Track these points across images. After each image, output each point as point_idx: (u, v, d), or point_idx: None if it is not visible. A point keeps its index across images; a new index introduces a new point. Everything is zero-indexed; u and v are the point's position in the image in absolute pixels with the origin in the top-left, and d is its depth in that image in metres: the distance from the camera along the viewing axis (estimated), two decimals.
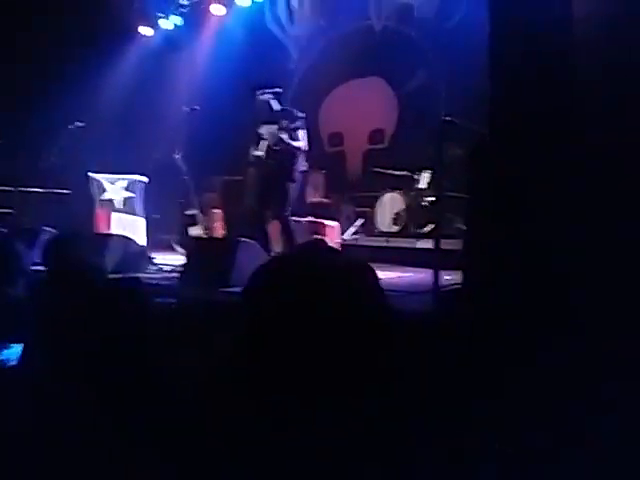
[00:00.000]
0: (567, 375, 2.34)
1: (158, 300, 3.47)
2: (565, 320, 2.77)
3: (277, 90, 5.38)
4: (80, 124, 6.69)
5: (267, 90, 5.34)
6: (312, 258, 1.30)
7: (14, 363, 2.14)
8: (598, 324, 2.71)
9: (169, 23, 9.44)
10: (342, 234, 6.14)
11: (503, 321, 2.85)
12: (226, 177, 7.87)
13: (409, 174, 7.22)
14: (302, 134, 5.26)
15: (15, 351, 2.30)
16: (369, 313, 1.20)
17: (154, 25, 9.49)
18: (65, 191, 6.96)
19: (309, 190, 7.38)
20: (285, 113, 5.27)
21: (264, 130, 5.34)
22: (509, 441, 2.17)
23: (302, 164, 5.41)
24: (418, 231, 6.87)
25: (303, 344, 1.13)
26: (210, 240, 6.20)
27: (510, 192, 3.20)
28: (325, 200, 7.71)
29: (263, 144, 5.34)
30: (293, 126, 5.15)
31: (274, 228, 5.46)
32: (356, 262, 1.30)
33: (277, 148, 5.23)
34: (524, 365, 2.48)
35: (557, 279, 2.99)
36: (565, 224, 3.05)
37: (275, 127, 5.26)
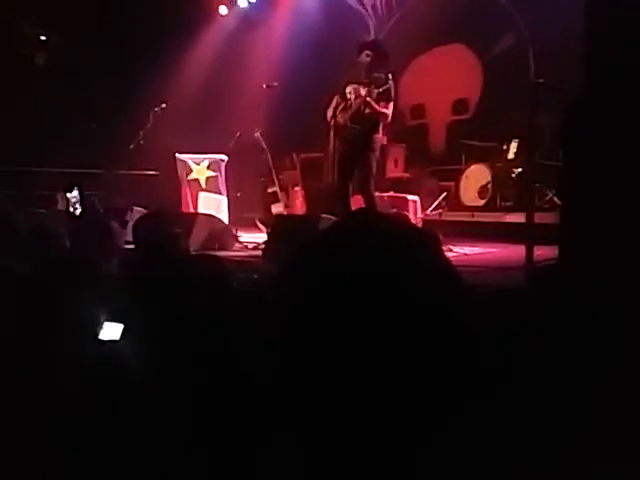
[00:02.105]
0: None
1: (242, 275, 3.51)
2: None
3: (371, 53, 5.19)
4: (163, 106, 6.86)
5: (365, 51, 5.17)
6: (363, 230, 1.17)
7: (114, 338, 2.22)
8: None
9: (245, 1, 9.46)
10: (425, 209, 5.99)
11: (602, 303, 2.67)
12: (306, 154, 7.85)
13: (496, 144, 6.91)
14: (390, 105, 5.10)
15: (112, 329, 2.39)
16: (434, 289, 1.08)
17: (231, 4, 9.55)
18: (153, 172, 7.20)
19: (389, 164, 7.24)
20: (377, 79, 5.11)
21: (351, 90, 5.20)
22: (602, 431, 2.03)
23: (383, 136, 5.27)
24: (505, 204, 6.59)
25: (360, 325, 1.04)
26: (292, 217, 6.23)
27: (614, 158, 2.98)
28: (406, 174, 7.53)
29: (346, 107, 5.19)
30: (384, 93, 4.99)
31: (356, 203, 5.38)
32: (414, 231, 1.17)
33: (361, 113, 5.08)
34: (623, 354, 2.31)
35: None
36: None
37: (365, 89, 5.10)
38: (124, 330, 2.34)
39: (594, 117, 3.05)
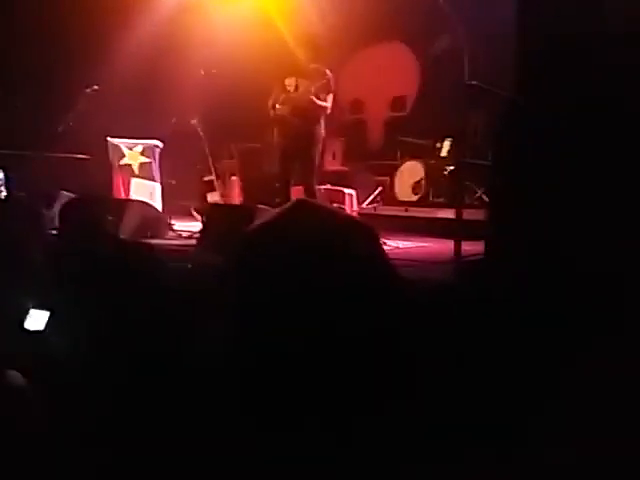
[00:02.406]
0: (588, 353, 2.30)
1: (175, 264, 3.46)
2: (590, 296, 2.71)
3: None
4: (96, 87, 6.61)
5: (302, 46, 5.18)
6: (303, 220, 1.20)
7: (39, 328, 2.15)
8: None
9: None
10: (360, 203, 6.08)
11: (527, 294, 2.80)
12: (244, 144, 7.79)
13: (430, 142, 7.10)
14: (330, 97, 5.13)
15: (38, 316, 2.31)
16: (370, 274, 1.12)
17: None
18: (83, 156, 6.94)
19: (327, 157, 7.29)
20: (317, 71, 5.13)
21: (290, 82, 5.20)
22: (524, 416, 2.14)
23: (323, 129, 5.30)
24: (438, 200, 6.79)
25: (301, 312, 1.07)
26: (228, 207, 6.17)
27: (539, 160, 3.12)
28: (343, 168, 7.62)
29: (287, 100, 5.20)
30: (323, 86, 5.01)
31: (296, 194, 5.39)
32: (351, 222, 1.21)
33: (302, 106, 5.09)
34: (547, 341, 2.43)
35: (583, 253, 2.92)
36: (595, 195, 2.97)
37: (304, 82, 5.11)
38: (49, 318, 2.26)
39: (520, 118, 3.19)
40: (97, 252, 2.58)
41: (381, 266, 1.16)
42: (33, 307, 2.33)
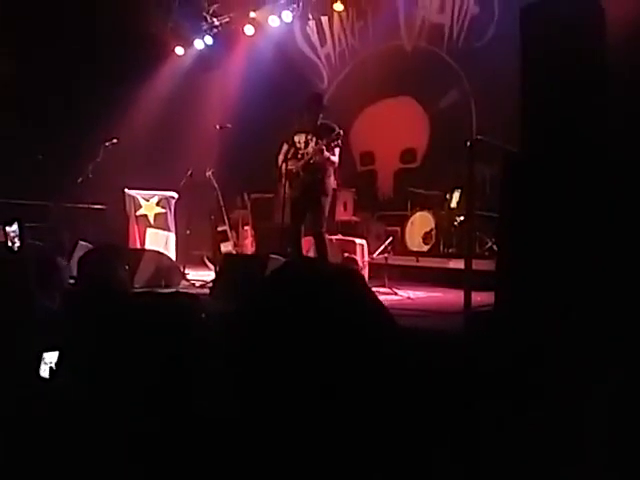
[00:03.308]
0: (605, 406, 2.29)
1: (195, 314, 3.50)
2: (605, 347, 2.71)
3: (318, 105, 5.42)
4: (115, 141, 6.85)
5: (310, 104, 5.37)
6: (292, 279, 1.26)
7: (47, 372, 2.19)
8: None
9: (202, 43, 9.66)
10: (371, 253, 6.14)
11: (537, 346, 2.80)
12: (256, 194, 7.95)
13: (440, 193, 7.20)
14: (338, 151, 5.29)
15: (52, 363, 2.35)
16: (360, 320, 1.15)
17: (188, 45, 9.72)
18: (101, 206, 7.12)
19: (338, 208, 7.41)
20: (326, 127, 5.30)
21: (300, 139, 5.36)
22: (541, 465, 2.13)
23: (334, 181, 5.43)
24: (448, 251, 6.83)
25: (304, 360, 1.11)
26: (241, 256, 6.26)
27: (544, 211, 3.18)
28: (354, 218, 7.72)
29: (297, 155, 5.35)
30: (332, 141, 5.17)
31: (307, 244, 5.48)
32: (338, 271, 1.26)
33: (312, 161, 5.25)
34: (558, 393, 2.43)
35: (595, 303, 2.93)
36: (601, 243, 3.01)
37: (314, 139, 5.27)
38: (66, 367, 2.30)
39: (527, 171, 3.27)
40: (114, 301, 2.64)
41: (369, 308, 1.21)
42: (48, 354, 2.38)
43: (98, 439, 1.75)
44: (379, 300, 1.18)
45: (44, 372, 2.43)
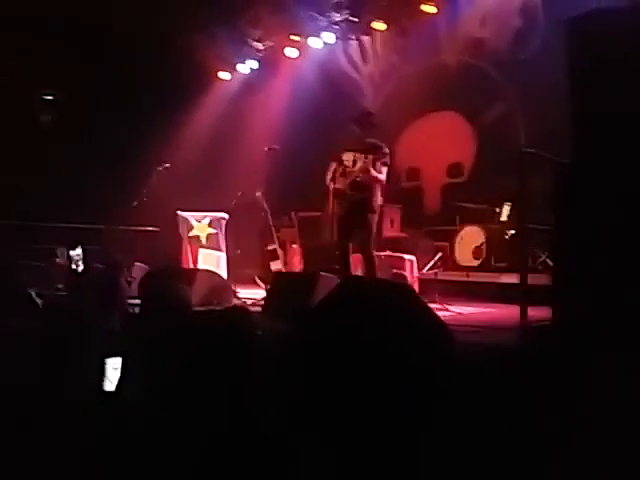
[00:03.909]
0: None
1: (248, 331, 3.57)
2: None
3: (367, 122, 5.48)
4: (167, 165, 7.07)
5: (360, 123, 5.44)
6: (351, 296, 1.28)
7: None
8: None
9: (246, 67, 9.90)
10: (421, 268, 6.11)
11: (595, 363, 2.74)
12: (304, 213, 8.05)
13: (489, 207, 7.13)
14: (385, 169, 5.32)
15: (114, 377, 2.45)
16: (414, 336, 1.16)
17: (232, 69, 9.98)
18: (155, 228, 7.34)
19: (385, 224, 7.42)
20: (373, 145, 5.35)
21: (348, 157, 5.42)
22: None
23: (380, 198, 5.45)
24: (499, 265, 6.73)
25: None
26: (291, 274, 6.33)
27: (599, 222, 3.12)
28: (402, 234, 7.71)
29: (345, 174, 5.40)
30: (379, 159, 5.21)
31: (355, 261, 5.50)
32: (392, 288, 1.27)
33: (360, 180, 5.30)
34: (615, 413, 2.37)
35: None
36: None
37: (362, 157, 5.32)
38: (136, 387, 2.37)
39: (579, 183, 3.23)
40: (177, 321, 2.72)
41: (427, 324, 1.22)
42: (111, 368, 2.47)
43: (165, 454, 1.81)
44: (435, 314, 1.20)
45: (109, 386, 2.53)
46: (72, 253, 5.31)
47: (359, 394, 1.12)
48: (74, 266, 5.35)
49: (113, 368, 2.68)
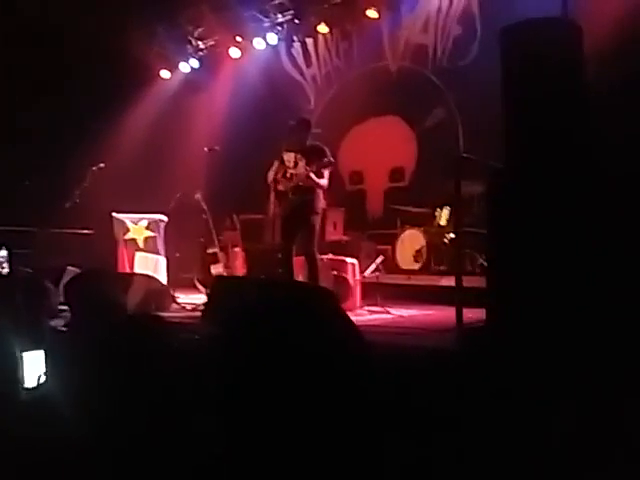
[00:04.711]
0: (599, 417, 2.29)
1: (183, 336, 3.47)
2: (595, 361, 2.71)
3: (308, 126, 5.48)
4: (102, 165, 6.83)
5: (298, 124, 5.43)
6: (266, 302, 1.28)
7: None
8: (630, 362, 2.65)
9: (187, 66, 9.71)
10: (362, 271, 6.12)
11: (528, 361, 2.80)
12: (246, 215, 7.95)
13: (429, 211, 7.23)
14: (327, 174, 5.31)
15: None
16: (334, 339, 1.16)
17: (173, 68, 9.77)
18: (89, 231, 7.08)
19: (328, 227, 7.41)
20: (315, 149, 5.32)
21: (289, 158, 5.38)
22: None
23: (323, 201, 5.44)
24: (439, 268, 6.84)
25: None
26: (231, 278, 6.21)
27: (529, 226, 3.20)
28: (344, 237, 7.72)
29: (287, 175, 5.36)
30: (321, 168, 5.20)
31: (298, 264, 5.46)
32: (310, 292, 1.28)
33: (302, 185, 5.27)
34: (550, 408, 2.42)
35: (585, 316, 2.94)
36: (588, 256, 3.02)
37: (303, 159, 5.29)
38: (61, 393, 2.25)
39: (510, 187, 3.30)
40: (104, 326, 2.60)
41: (341, 327, 1.22)
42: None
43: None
44: (350, 320, 1.18)
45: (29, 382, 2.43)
46: None
47: (276, 398, 1.09)
48: None
49: (32, 363, 2.59)
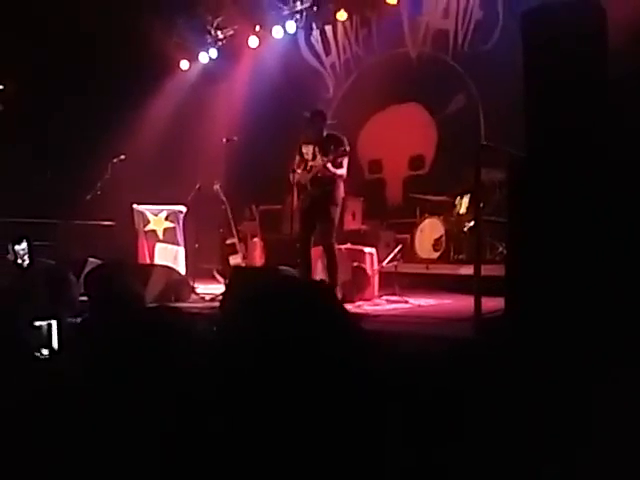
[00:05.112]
0: (617, 410, 2.24)
1: (200, 327, 3.50)
2: (613, 349, 2.66)
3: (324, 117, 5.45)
4: (122, 157, 6.88)
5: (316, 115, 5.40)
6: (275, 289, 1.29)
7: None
8: None
9: (207, 56, 9.71)
10: (381, 261, 6.08)
11: (547, 350, 2.76)
12: (265, 206, 7.95)
13: (449, 199, 7.15)
14: (346, 163, 5.27)
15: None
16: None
17: (193, 59, 9.78)
18: (110, 223, 7.16)
19: (347, 217, 7.38)
20: (332, 138, 5.29)
21: (307, 150, 5.35)
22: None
23: (342, 191, 5.41)
24: (459, 257, 6.77)
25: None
26: (250, 269, 6.23)
27: (550, 215, 3.13)
28: (363, 227, 7.68)
29: (306, 167, 5.34)
30: (337, 157, 5.16)
31: (316, 254, 5.45)
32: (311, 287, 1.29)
33: (320, 175, 5.24)
34: (567, 398, 2.38)
35: (603, 306, 2.88)
36: (607, 245, 2.95)
37: (320, 153, 5.26)
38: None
39: (532, 176, 3.23)
40: (123, 317, 2.64)
41: (340, 323, 1.23)
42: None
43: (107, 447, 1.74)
44: (351, 314, 1.19)
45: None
46: (17, 248, 5.15)
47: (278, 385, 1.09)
48: (19, 261, 5.19)
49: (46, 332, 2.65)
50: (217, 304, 5.07)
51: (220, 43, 9.68)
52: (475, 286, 3.68)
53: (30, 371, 2.13)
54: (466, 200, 6.94)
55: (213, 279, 6.64)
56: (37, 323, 2.49)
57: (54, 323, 2.44)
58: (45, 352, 2.39)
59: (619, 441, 2.07)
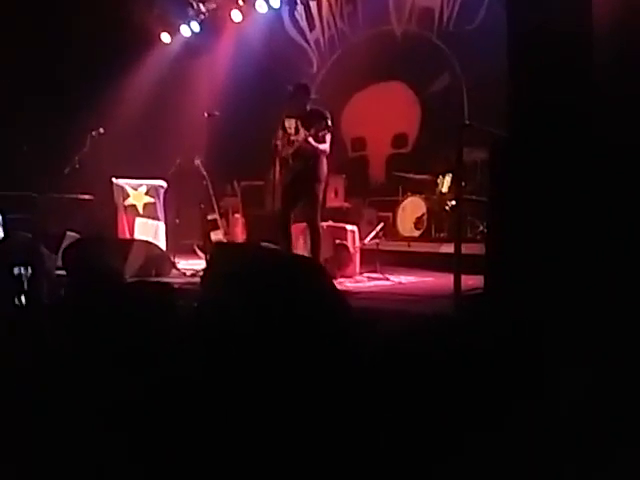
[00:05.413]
0: (591, 386, 2.29)
1: (181, 303, 3.48)
2: (589, 328, 2.71)
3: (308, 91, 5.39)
4: (101, 130, 6.76)
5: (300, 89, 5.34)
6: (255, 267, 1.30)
7: None
8: (625, 332, 2.65)
9: (188, 29, 9.53)
10: (362, 238, 6.10)
11: (525, 327, 2.80)
12: (246, 181, 7.90)
13: (431, 178, 7.17)
14: (329, 138, 5.23)
15: None
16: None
17: (174, 31, 9.59)
18: (89, 196, 7.06)
19: (329, 194, 7.37)
20: (315, 113, 5.24)
21: (290, 124, 5.30)
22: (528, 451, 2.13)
23: (326, 167, 5.38)
24: (440, 235, 6.82)
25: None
26: (231, 245, 6.21)
27: (530, 194, 3.16)
28: (345, 204, 7.68)
29: (289, 141, 5.29)
30: (319, 132, 5.11)
31: (297, 230, 5.43)
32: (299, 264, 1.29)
33: (302, 150, 5.20)
34: (547, 374, 2.42)
35: (583, 284, 2.93)
36: (587, 225, 2.99)
37: (303, 127, 5.21)
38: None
39: (513, 155, 3.25)
40: (102, 291, 2.62)
41: (330, 300, 1.23)
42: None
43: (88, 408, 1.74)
44: (337, 290, 1.19)
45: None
46: None
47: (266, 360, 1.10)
48: None
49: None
50: (198, 280, 5.05)
51: (203, 16, 9.49)
52: (455, 264, 3.71)
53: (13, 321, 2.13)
54: (448, 179, 6.98)
55: (194, 254, 6.61)
56: (15, 270, 2.48)
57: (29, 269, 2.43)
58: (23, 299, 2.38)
59: (583, 420, 2.11)
